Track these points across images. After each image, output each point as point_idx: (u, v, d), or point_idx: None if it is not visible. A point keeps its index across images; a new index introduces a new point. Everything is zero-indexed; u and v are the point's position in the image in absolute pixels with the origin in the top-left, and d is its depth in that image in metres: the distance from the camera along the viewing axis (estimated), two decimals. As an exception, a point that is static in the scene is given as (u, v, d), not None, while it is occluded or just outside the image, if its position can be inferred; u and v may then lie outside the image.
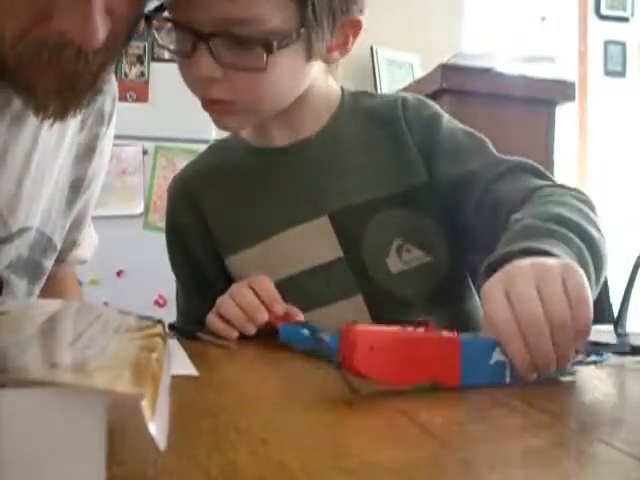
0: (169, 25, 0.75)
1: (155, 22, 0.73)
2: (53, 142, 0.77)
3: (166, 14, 0.73)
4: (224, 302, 0.76)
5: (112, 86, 0.85)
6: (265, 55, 0.70)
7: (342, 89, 0.89)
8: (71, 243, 0.89)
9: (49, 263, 0.81)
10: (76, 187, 0.83)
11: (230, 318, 0.74)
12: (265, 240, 0.84)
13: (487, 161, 0.82)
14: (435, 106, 0.89)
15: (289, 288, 0.80)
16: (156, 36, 0.78)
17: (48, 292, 0.85)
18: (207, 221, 0.89)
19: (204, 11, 0.70)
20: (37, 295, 0.80)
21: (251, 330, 0.73)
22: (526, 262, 0.52)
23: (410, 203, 0.83)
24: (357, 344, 0.42)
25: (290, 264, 0.83)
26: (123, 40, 0.63)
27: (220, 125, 0.81)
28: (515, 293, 0.49)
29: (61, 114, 0.63)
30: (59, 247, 0.83)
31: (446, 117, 0.88)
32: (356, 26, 0.77)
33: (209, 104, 0.77)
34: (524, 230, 0.62)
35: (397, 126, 0.85)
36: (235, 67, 0.72)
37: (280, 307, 0.74)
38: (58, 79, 0.59)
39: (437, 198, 0.83)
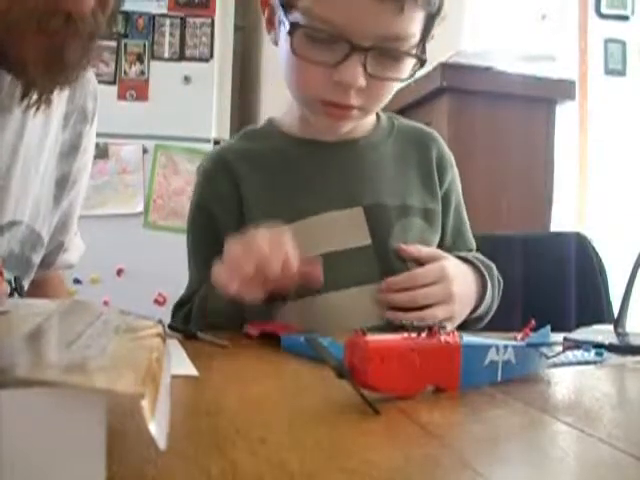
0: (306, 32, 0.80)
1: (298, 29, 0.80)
2: (38, 135, 0.78)
3: (312, 23, 0.79)
4: (233, 248, 0.73)
5: (91, 84, 0.87)
6: (413, 65, 0.82)
7: None
8: (59, 245, 0.90)
9: (37, 259, 0.82)
10: (62, 184, 0.84)
11: (235, 268, 0.70)
12: (300, 220, 0.88)
13: (466, 237, 1.02)
14: (451, 154, 1.02)
15: None
16: (291, 42, 0.81)
17: (38, 295, 0.86)
18: (243, 199, 0.90)
19: (370, 27, 0.77)
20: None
21: (258, 293, 0.71)
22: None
23: (427, 220, 0.94)
24: (370, 358, 0.41)
25: (320, 244, 0.87)
26: (111, 11, 0.64)
27: (332, 128, 0.88)
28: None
29: (49, 88, 0.64)
30: (46, 244, 0.83)
31: (455, 166, 1.02)
32: (431, 37, 0.88)
33: (334, 109, 0.84)
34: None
35: (428, 156, 0.97)
36: (382, 78, 0.81)
37: (295, 263, 0.71)
38: (47, 48, 0.60)
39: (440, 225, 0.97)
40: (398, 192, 0.92)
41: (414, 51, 0.82)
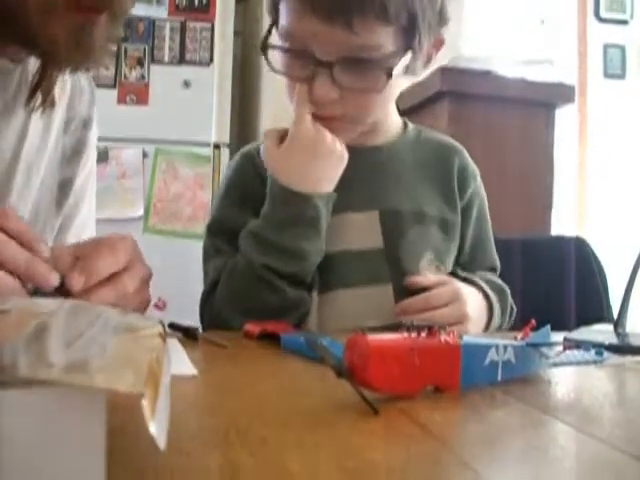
0: (281, 52, 0.84)
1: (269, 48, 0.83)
2: (39, 138, 0.80)
3: (281, 43, 0.83)
4: None
5: (87, 92, 0.90)
6: (385, 77, 0.81)
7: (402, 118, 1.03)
8: None
9: None
10: (64, 188, 0.85)
11: None
12: None
13: (488, 252, 1.04)
14: (476, 168, 1.04)
15: (328, 264, 0.88)
16: (270, 63, 0.85)
17: None
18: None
19: (327, 43, 0.79)
20: None
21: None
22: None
23: (443, 229, 0.96)
24: (370, 358, 0.41)
25: (335, 243, 0.89)
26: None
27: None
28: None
29: (78, 66, 0.67)
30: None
31: (480, 180, 1.04)
32: (441, 43, 0.90)
33: (319, 120, 0.85)
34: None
35: (449, 168, 0.99)
36: (354, 89, 0.82)
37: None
38: (79, 26, 0.62)
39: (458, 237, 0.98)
40: (415, 199, 0.94)
41: (390, 62, 0.81)
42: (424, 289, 0.89)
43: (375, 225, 0.92)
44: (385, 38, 0.80)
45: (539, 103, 2.11)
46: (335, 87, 0.81)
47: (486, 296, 0.93)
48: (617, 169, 3.53)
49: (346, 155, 0.87)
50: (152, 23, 3.01)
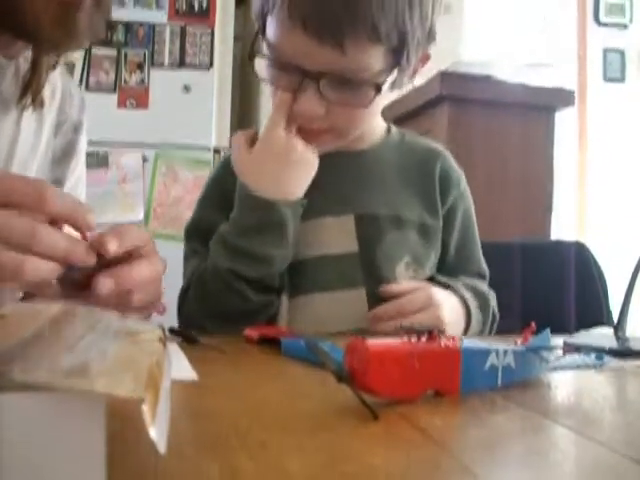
0: (270, 62, 0.84)
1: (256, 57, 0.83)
2: (33, 134, 0.82)
3: (268, 53, 0.83)
4: None
5: (77, 97, 0.93)
6: (372, 94, 0.81)
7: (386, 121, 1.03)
8: None
9: None
10: None
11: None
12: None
13: (473, 258, 1.03)
14: (461, 173, 1.03)
15: (302, 269, 0.89)
16: (256, 71, 0.85)
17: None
18: None
19: (316, 61, 0.79)
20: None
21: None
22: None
23: (423, 234, 0.95)
24: (370, 362, 0.41)
25: (312, 247, 0.90)
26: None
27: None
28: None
29: (61, 48, 0.71)
30: None
31: (465, 185, 1.03)
32: (427, 58, 0.90)
33: (304, 132, 0.86)
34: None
35: (431, 172, 0.98)
36: (341, 104, 0.82)
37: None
38: (64, 9, 0.65)
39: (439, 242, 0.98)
40: (394, 204, 0.94)
41: (378, 79, 0.81)
42: (392, 297, 0.88)
43: (350, 229, 0.91)
44: (375, 58, 0.80)
45: (539, 107, 2.12)
46: (321, 102, 0.81)
47: (463, 301, 0.92)
48: (617, 173, 3.53)
49: (316, 163, 0.87)
50: (152, 28, 3.02)
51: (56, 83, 0.87)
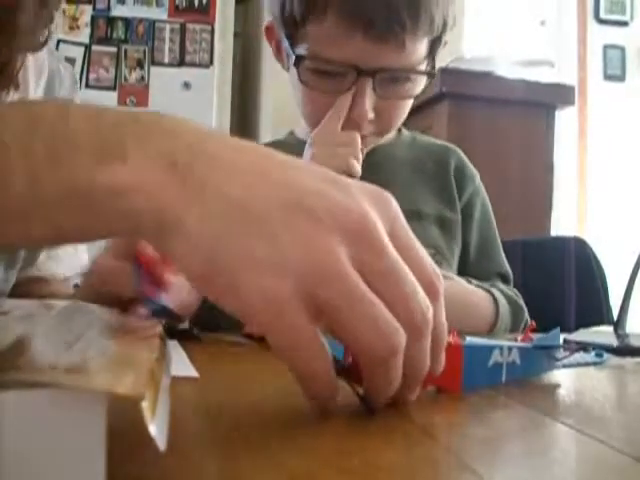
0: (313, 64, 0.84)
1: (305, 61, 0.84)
2: None
3: (313, 64, 0.84)
4: None
5: (67, 78, 0.88)
6: (422, 82, 0.86)
7: None
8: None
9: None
10: None
11: None
12: None
13: (496, 257, 1.02)
14: (475, 170, 1.05)
15: None
16: (299, 74, 0.85)
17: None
18: None
19: (374, 62, 0.80)
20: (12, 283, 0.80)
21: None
22: None
23: (443, 228, 0.96)
24: None
25: None
26: None
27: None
28: None
29: (7, 54, 0.66)
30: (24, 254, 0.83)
31: (480, 182, 1.03)
32: (445, 44, 0.91)
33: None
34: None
35: (446, 167, 1.00)
36: (395, 97, 0.85)
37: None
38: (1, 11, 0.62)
39: (460, 236, 0.98)
40: (411, 198, 0.94)
41: (423, 68, 0.86)
42: None
43: None
44: (423, 49, 0.84)
45: (539, 104, 2.12)
46: (375, 98, 0.83)
47: (494, 300, 0.91)
48: (617, 170, 3.53)
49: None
50: (152, 25, 3.02)
51: (43, 62, 0.84)
